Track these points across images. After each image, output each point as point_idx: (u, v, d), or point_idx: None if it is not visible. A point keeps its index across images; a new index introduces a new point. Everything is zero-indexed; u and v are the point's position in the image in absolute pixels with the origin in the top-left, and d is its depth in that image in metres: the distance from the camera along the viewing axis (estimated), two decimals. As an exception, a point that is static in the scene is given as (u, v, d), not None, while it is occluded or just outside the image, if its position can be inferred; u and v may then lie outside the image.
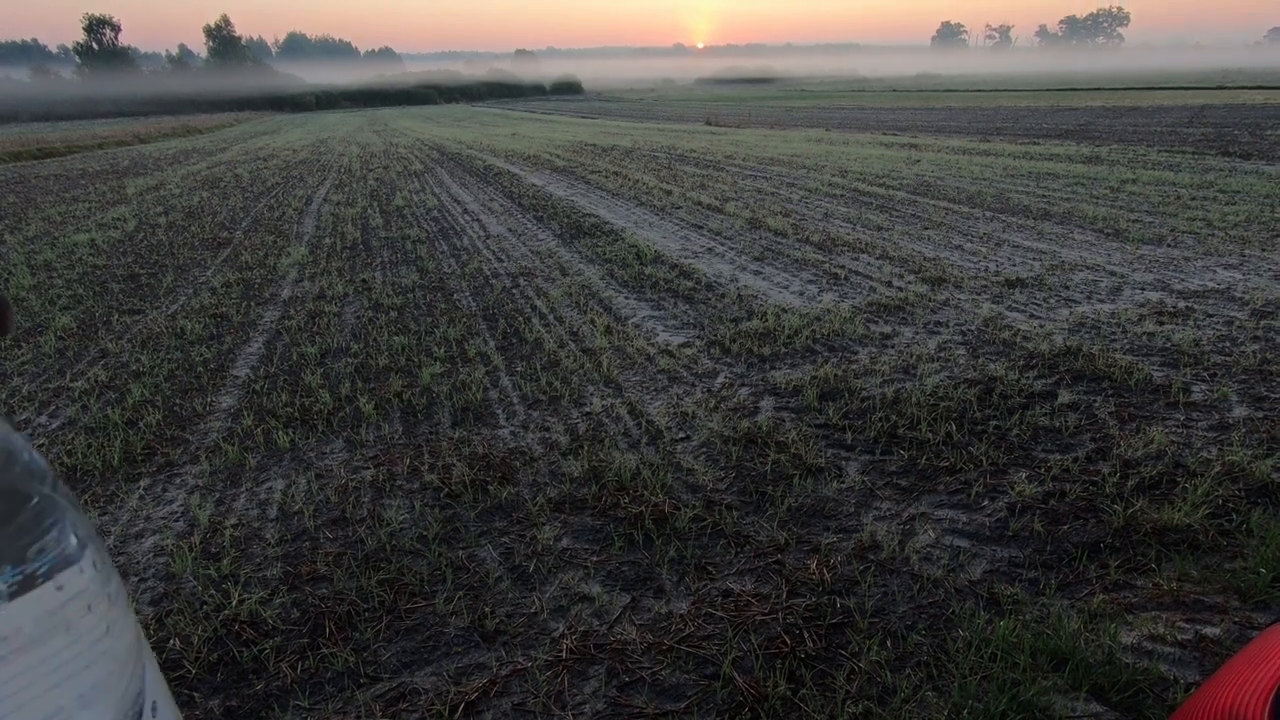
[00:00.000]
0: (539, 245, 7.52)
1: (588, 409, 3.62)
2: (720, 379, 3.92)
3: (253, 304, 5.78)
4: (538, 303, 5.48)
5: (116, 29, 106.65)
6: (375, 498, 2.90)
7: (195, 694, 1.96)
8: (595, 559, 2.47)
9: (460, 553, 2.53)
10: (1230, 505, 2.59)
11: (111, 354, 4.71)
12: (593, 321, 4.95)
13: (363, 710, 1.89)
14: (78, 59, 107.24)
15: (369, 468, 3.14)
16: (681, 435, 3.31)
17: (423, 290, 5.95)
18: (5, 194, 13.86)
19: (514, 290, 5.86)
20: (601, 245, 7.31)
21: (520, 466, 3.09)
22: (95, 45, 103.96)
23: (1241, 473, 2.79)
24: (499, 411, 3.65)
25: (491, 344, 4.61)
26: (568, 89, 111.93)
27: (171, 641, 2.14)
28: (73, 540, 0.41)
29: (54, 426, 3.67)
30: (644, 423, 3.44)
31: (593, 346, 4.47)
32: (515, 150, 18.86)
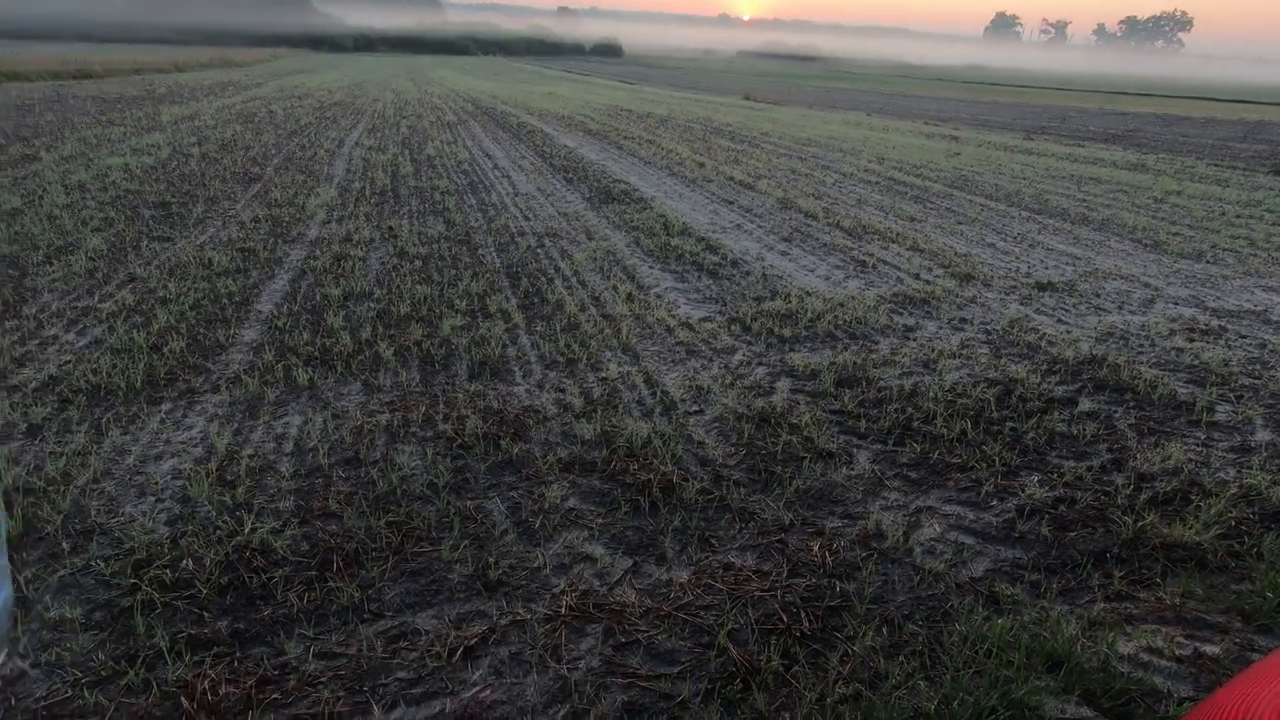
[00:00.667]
0: (567, 207, 7.49)
1: (604, 374, 3.63)
2: (738, 356, 3.91)
3: (280, 241, 5.81)
4: (561, 265, 5.47)
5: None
6: (389, 442, 2.93)
7: (205, 613, 2.01)
8: (600, 521, 2.49)
9: (469, 503, 2.56)
10: (1243, 528, 2.57)
11: (140, 279, 4.77)
12: (615, 288, 4.94)
13: (364, 644, 1.94)
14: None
15: (384, 412, 3.17)
16: (695, 408, 3.32)
17: (448, 242, 5.95)
18: (43, 112, 13.94)
19: (539, 250, 5.85)
20: (630, 212, 7.27)
21: (533, 425, 3.11)
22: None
23: (1258, 496, 2.76)
24: (516, 369, 3.66)
25: (513, 301, 4.62)
26: (607, 51, 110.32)
27: (185, 562, 2.19)
28: None
29: (81, 345, 3.74)
30: (659, 393, 3.45)
31: (613, 313, 4.47)
32: (549, 109, 18.70)
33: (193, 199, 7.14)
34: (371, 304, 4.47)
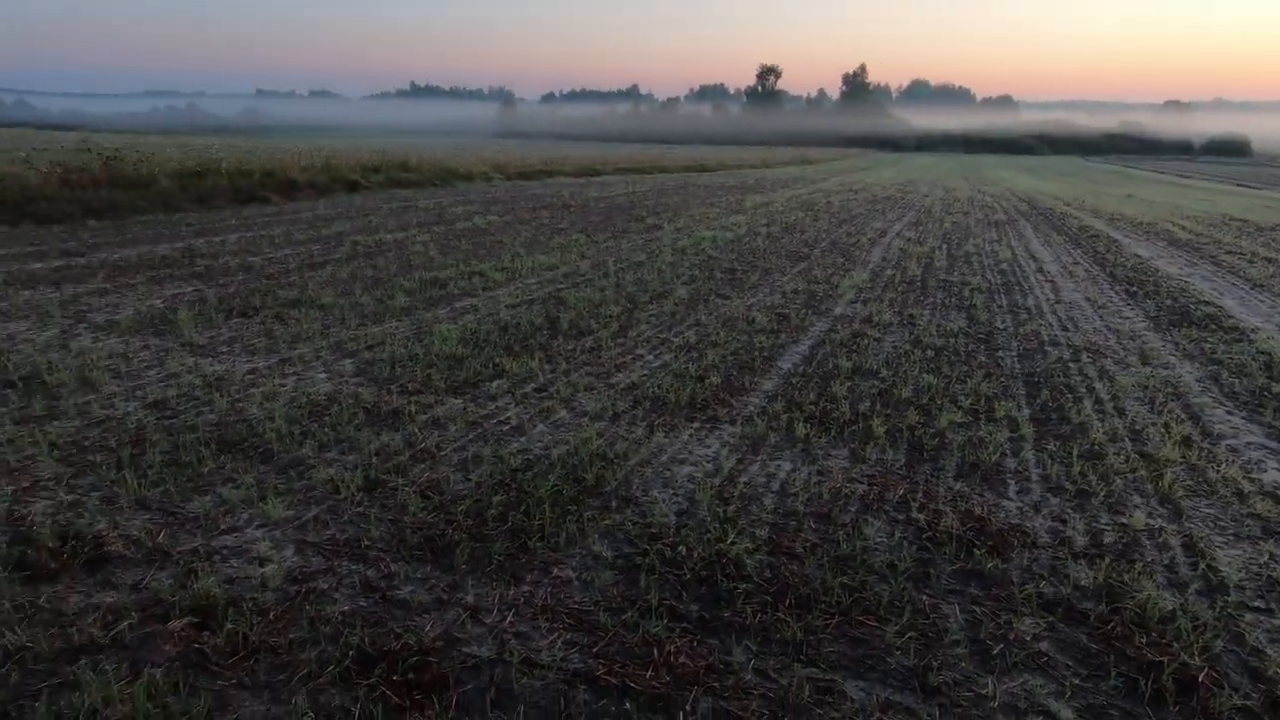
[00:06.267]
0: (1120, 323, 6.55)
1: (1125, 520, 3.07)
2: (1338, 549, 2.90)
3: (810, 313, 6.39)
4: (1097, 385, 4.81)
5: (778, 75, 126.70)
6: (860, 512, 2.99)
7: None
8: (1076, 682, 2.12)
9: (925, 598, 2.45)
10: None
11: (702, 324, 5.78)
12: (1167, 426, 4.13)
13: (795, 684, 2.01)
14: (744, 99, 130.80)
15: (863, 483, 3.24)
16: (1260, 604, 2.56)
17: (966, 338, 5.76)
18: (673, 195, 17.89)
19: (1071, 364, 5.24)
20: (1211, 341, 5.99)
21: (1017, 546, 2.81)
22: (760, 88, 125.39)
23: None
24: (1011, 482, 3.36)
25: (1025, 412, 4.24)
26: (1226, 149, 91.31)
27: (680, 549, 2.58)
28: None
29: (655, 365, 4.70)
30: (1203, 567, 2.74)
31: (1156, 455, 3.74)
32: (1124, 214, 16.60)
33: (752, 269, 8.34)
34: (875, 382, 4.60)
